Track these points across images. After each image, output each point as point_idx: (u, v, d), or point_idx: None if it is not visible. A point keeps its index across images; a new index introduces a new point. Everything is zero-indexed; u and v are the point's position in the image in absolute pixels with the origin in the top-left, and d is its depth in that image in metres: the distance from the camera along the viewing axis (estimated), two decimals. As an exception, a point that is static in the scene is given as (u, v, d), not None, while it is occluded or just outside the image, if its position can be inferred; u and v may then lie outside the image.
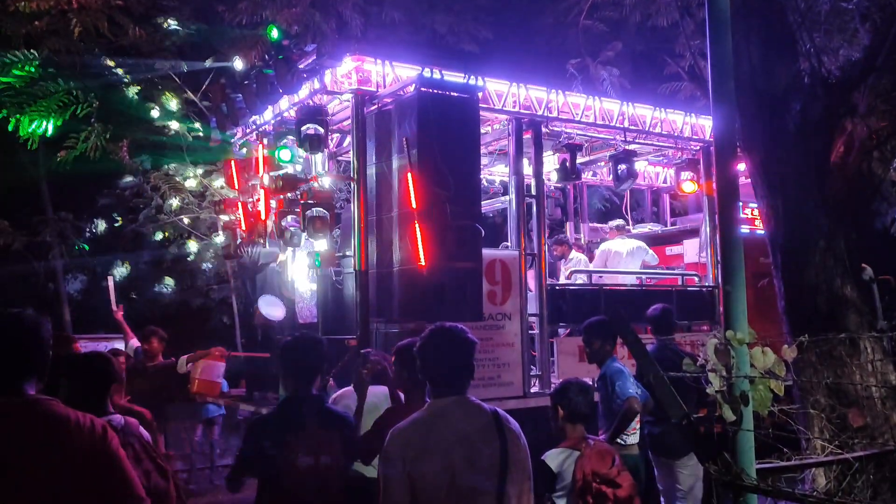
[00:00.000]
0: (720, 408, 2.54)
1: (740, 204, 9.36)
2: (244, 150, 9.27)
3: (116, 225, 12.46)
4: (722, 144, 2.73)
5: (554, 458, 3.91)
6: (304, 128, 7.10)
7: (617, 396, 4.99)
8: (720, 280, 3.32)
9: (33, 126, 8.50)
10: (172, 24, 9.78)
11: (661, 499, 5.87)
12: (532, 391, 7.53)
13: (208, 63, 9.73)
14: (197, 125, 10.59)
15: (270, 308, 8.10)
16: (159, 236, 12.14)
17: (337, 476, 3.47)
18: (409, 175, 6.57)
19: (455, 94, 6.89)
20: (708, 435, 2.68)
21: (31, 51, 8.25)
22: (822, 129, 5.35)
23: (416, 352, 3.04)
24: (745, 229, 9.54)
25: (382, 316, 7.10)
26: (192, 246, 12.17)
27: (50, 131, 8.80)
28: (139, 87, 10.19)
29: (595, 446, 3.92)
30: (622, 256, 9.71)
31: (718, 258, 7.03)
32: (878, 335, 4.75)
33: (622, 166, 8.96)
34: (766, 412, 2.58)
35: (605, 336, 5.31)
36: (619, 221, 10.29)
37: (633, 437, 5.20)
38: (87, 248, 15.29)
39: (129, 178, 12.09)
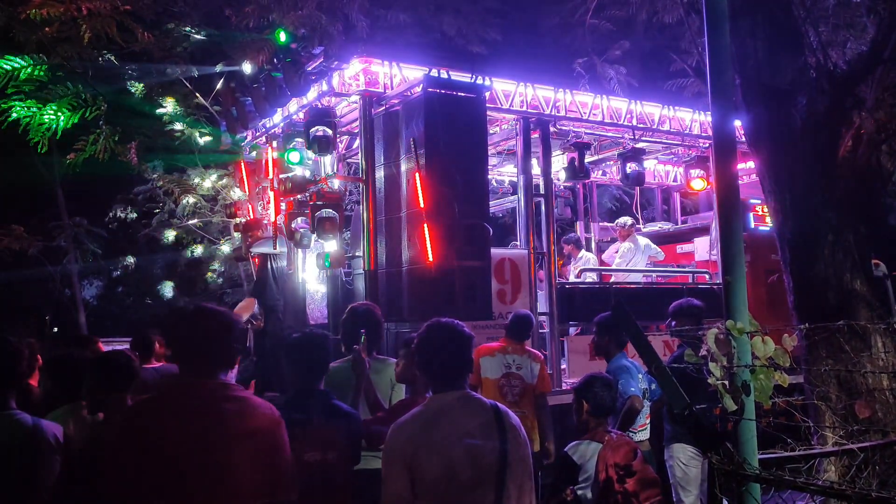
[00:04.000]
0: (721, 398, 2.55)
1: (750, 201, 9.33)
2: (254, 153, 9.33)
3: (131, 216, 12.52)
4: (720, 134, 2.74)
5: (576, 450, 3.94)
6: (312, 130, 7.15)
7: (619, 395, 4.99)
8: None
9: (42, 129, 8.59)
10: (183, 29, 9.86)
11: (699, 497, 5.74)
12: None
13: (218, 68, 9.81)
14: (207, 129, 10.68)
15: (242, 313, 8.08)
16: (171, 237, 12.19)
17: (343, 471, 3.50)
18: (417, 175, 6.60)
19: (462, 94, 6.92)
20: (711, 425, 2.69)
21: (41, 55, 8.35)
22: (829, 124, 5.33)
23: (414, 348, 3.06)
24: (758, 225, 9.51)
25: (392, 315, 7.13)
26: (225, 248, 12.16)
27: (59, 133, 8.89)
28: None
29: (617, 439, 3.94)
30: (640, 252, 9.73)
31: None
32: (886, 324, 4.72)
33: (631, 164, 8.95)
34: (769, 402, 2.58)
35: (611, 331, 5.31)
36: (630, 219, 10.28)
37: (642, 434, 5.20)
38: (99, 251, 15.42)
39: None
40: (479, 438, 2.83)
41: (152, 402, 2.77)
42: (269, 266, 8.44)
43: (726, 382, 2.56)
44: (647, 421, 5.32)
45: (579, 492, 3.80)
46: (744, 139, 6.00)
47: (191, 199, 11.54)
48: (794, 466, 2.68)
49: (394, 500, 2.77)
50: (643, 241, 9.94)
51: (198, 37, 9.92)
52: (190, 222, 12.14)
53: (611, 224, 11.51)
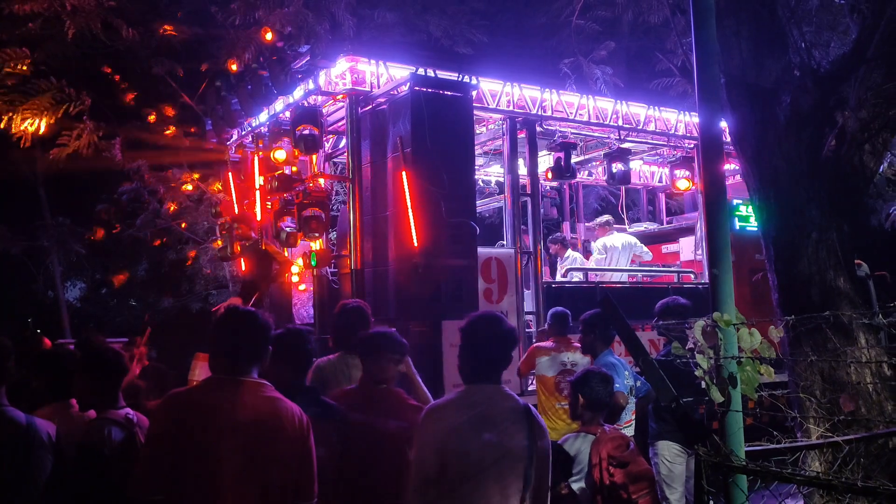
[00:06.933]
0: (708, 390, 2.56)
1: (735, 201, 9.38)
2: (239, 152, 9.29)
3: (114, 232, 12.43)
4: (707, 123, 2.75)
5: (569, 442, 4.00)
6: (299, 129, 7.13)
7: None
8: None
9: (25, 123, 8.50)
10: (167, 28, 9.80)
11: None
12: (530, 389, 7.53)
13: (204, 66, 9.76)
14: (192, 128, 10.62)
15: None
16: (155, 237, 12.11)
17: (334, 467, 3.49)
18: (404, 174, 6.60)
19: (449, 93, 6.93)
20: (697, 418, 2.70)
21: (24, 49, 8.26)
22: (813, 122, 5.36)
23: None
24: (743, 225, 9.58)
25: (379, 314, 7.12)
26: (211, 249, 11.97)
27: (42, 129, 8.80)
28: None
29: (610, 432, 3.97)
30: (618, 251, 9.75)
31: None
32: (868, 321, 4.76)
33: (617, 164, 8.99)
34: (755, 395, 2.59)
35: (597, 329, 5.33)
36: (607, 217, 10.34)
37: (627, 430, 5.22)
38: (83, 251, 15.26)
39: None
40: (509, 430, 2.92)
41: (187, 395, 2.82)
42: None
43: (713, 374, 2.57)
44: (633, 417, 5.34)
45: (573, 485, 3.83)
46: (728, 139, 6.03)
47: (176, 199, 11.45)
48: (780, 459, 2.70)
49: (422, 481, 2.87)
50: (626, 238, 9.94)
51: (182, 34, 9.85)
52: (175, 222, 12.05)
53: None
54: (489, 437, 2.89)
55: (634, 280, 9.88)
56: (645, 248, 9.97)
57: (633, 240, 9.96)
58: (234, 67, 8.39)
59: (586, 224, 11.78)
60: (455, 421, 2.91)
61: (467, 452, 2.86)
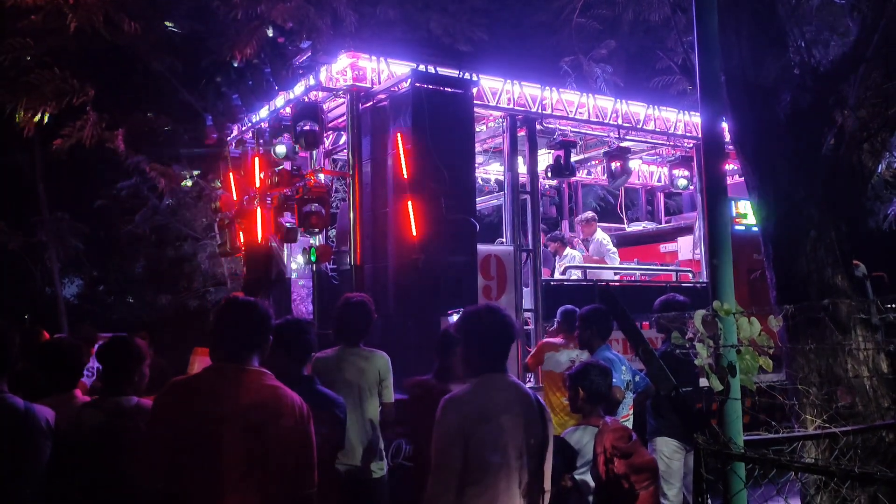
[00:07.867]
0: (708, 378, 2.58)
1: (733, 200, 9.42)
2: (240, 147, 9.30)
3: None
4: (708, 117, 2.78)
5: (573, 435, 4.03)
6: (299, 124, 7.15)
7: None
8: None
9: (28, 114, 8.51)
10: (168, 24, 9.81)
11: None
12: (527, 386, 7.55)
13: (204, 62, 9.76)
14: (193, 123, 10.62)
15: None
16: (154, 234, 12.11)
17: (328, 456, 3.51)
18: (405, 170, 6.61)
19: (449, 90, 6.95)
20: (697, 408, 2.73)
21: (27, 40, 8.26)
22: (813, 120, 5.39)
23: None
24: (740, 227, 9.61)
25: (378, 310, 7.12)
26: (209, 245, 11.94)
27: (45, 119, 8.80)
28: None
29: (612, 423, 3.99)
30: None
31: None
32: (866, 317, 4.79)
33: (616, 163, 9.02)
34: (753, 385, 2.62)
35: (594, 324, 5.35)
36: (591, 213, 10.40)
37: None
38: (81, 246, 15.24)
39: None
40: (527, 420, 3.00)
41: (189, 383, 2.86)
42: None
43: (712, 363, 2.60)
44: (630, 412, 5.36)
45: (578, 477, 3.85)
46: (728, 138, 6.05)
47: (175, 195, 11.46)
48: (777, 449, 2.72)
49: (445, 471, 2.89)
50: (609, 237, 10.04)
51: (183, 29, 9.85)
52: (173, 219, 12.05)
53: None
54: (510, 424, 2.95)
55: (633, 278, 9.91)
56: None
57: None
58: (235, 63, 8.40)
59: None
60: (476, 410, 2.95)
61: (492, 440, 2.91)
